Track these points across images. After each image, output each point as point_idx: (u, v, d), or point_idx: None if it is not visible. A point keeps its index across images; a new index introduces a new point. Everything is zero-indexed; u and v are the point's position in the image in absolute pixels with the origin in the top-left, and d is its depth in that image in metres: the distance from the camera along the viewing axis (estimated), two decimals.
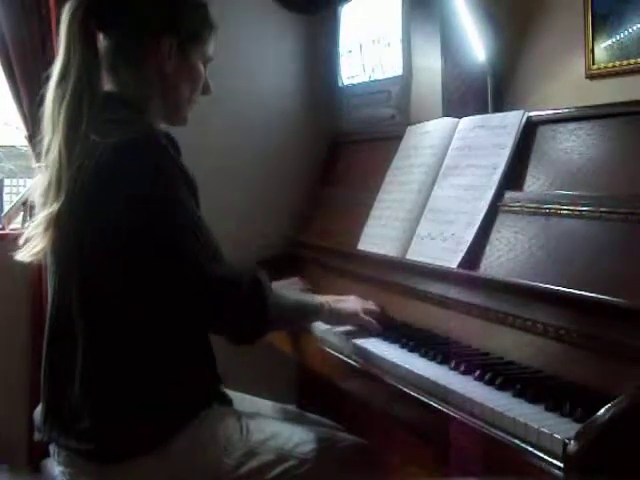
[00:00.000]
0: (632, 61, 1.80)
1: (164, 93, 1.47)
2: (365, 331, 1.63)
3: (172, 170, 1.33)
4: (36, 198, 1.39)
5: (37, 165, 1.46)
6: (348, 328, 1.65)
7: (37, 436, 1.42)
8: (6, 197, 2.90)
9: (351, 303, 1.64)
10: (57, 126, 1.34)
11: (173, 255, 1.31)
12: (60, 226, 1.32)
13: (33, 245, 1.37)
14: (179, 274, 1.31)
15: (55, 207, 1.32)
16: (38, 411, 1.43)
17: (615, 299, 1.20)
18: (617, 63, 1.84)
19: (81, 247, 1.32)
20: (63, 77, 1.36)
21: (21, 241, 1.39)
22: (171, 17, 1.44)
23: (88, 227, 1.31)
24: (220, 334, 1.41)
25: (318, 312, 1.57)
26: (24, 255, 1.40)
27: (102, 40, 1.42)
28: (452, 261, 1.63)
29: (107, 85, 1.44)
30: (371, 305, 1.68)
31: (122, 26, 1.43)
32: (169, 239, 1.31)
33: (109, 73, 1.44)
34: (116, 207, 1.29)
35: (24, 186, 2.85)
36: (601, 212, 1.36)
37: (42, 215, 1.34)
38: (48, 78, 1.38)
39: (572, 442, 0.98)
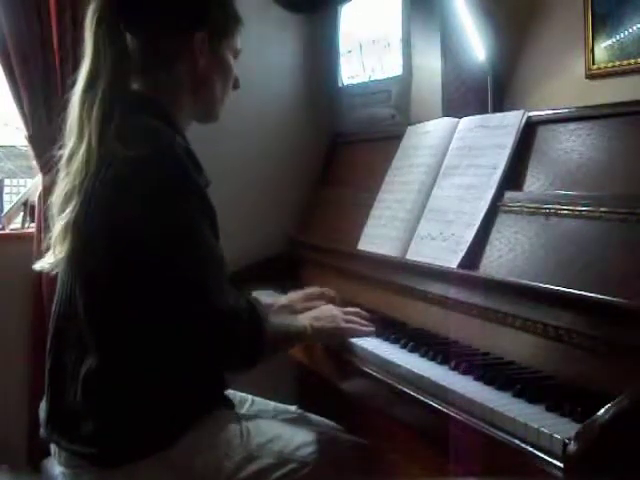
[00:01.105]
0: (632, 61, 1.80)
1: (197, 90, 1.45)
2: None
3: (187, 192, 1.30)
4: (55, 206, 1.37)
5: (47, 159, 1.43)
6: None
7: (42, 432, 1.41)
8: (6, 197, 2.90)
9: (330, 317, 1.60)
10: (85, 132, 1.31)
11: (176, 280, 1.28)
12: (76, 232, 1.31)
13: (54, 254, 1.36)
14: (180, 301, 1.29)
15: (73, 213, 1.31)
16: (42, 407, 1.43)
17: (615, 299, 1.20)
18: (617, 63, 1.84)
19: (92, 254, 1.31)
20: (92, 82, 1.33)
21: (39, 250, 1.38)
22: (201, 12, 1.43)
23: (97, 236, 1.29)
24: (216, 362, 1.39)
25: (302, 336, 1.55)
26: (44, 265, 1.40)
27: (130, 41, 1.39)
28: (452, 261, 1.64)
29: (136, 85, 1.41)
30: (350, 311, 1.66)
31: (152, 25, 1.40)
32: (174, 263, 1.28)
33: (138, 74, 1.40)
34: (124, 222, 1.27)
35: (24, 186, 2.85)
36: (601, 212, 1.36)
37: (61, 222, 1.33)
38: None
39: (572, 442, 0.98)
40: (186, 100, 1.45)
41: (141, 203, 1.27)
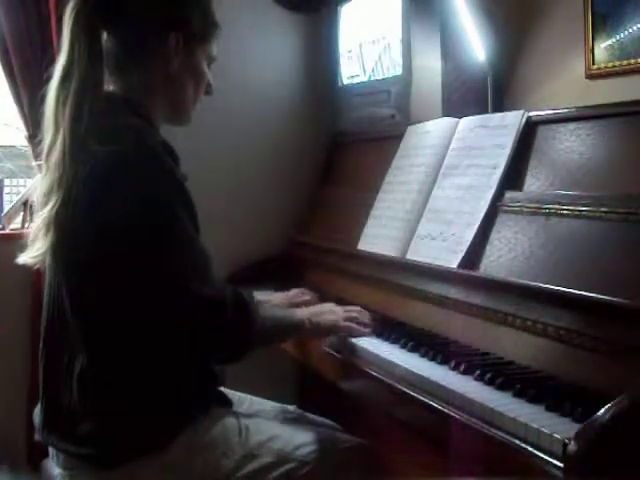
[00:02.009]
0: (632, 61, 1.80)
1: (169, 92, 1.46)
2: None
3: (165, 184, 1.31)
4: (37, 200, 1.38)
5: (36, 163, 1.44)
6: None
7: (37, 436, 1.41)
8: (6, 197, 2.89)
9: (329, 314, 1.61)
10: (60, 127, 1.32)
11: (159, 272, 1.29)
12: (58, 228, 1.32)
13: (36, 248, 1.36)
14: (164, 293, 1.29)
15: (54, 209, 1.31)
16: (37, 412, 1.43)
17: (615, 299, 1.20)
18: (617, 63, 1.84)
19: (76, 251, 1.31)
20: (66, 77, 1.34)
21: (26, 244, 1.38)
22: (177, 14, 1.44)
23: (80, 232, 1.30)
24: (205, 353, 1.39)
25: (299, 329, 1.55)
26: (26, 259, 1.40)
27: (106, 39, 1.40)
28: (452, 261, 1.63)
29: (110, 86, 1.42)
30: (352, 309, 1.66)
31: (128, 25, 1.41)
32: (157, 255, 1.29)
33: (113, 73, 1.42)
34: (107, 218, 1.27)
35: (24, 186, 2.84)
36: (601, 212, 1.36)
37: (43, 217, 1.33)
38: (49, 78, 1.36)
39: (572, 442, 0.98)
40: (158, 101, 1.45)
41: (121, 198, 1.27)
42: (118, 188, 1.28)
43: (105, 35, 1.40)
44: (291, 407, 1.69)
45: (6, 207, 2.66)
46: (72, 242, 1.31)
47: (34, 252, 1.37)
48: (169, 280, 1.29)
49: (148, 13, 1.42)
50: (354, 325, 1.63)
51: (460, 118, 1.89)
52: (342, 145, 2.57)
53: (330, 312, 1.62)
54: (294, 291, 1.86)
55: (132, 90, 1.42)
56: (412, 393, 1.34)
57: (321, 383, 1.82)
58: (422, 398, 1.30)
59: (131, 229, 1.28)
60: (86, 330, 1.32)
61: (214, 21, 1.50)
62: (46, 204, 1.33)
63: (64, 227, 1.31)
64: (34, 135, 2.26)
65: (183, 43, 1.43)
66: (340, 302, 1.78)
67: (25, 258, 1.40)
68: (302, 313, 1.57)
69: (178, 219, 1.31)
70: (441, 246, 1.70)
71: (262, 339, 1.43)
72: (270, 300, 1.83)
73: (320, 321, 1.57)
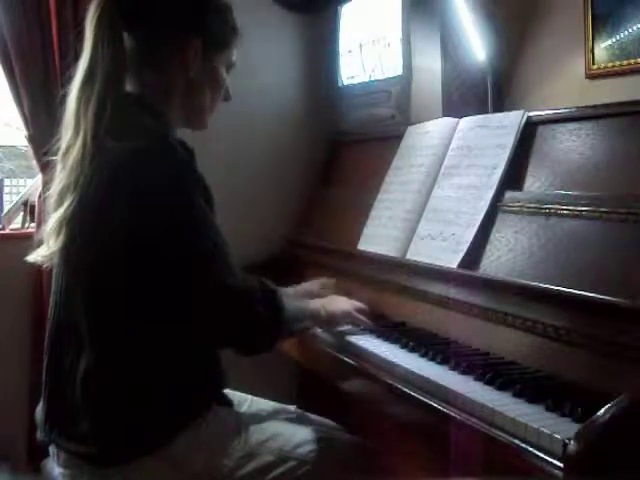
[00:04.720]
0: (632, 61, 1.80)
1: (187, 97, 1.47)
2: (357, 328, 1.69)
3: (188, 178, 1.32)
4: (51, 200, 1.38)
5: (45, 159, 1.44)
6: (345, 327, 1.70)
7: (39, 434, 1.42)
8: (6, 197, 2.90)
9: (342, 303, 1.69)
10: (81, 127, 1.33)
11: (189, 266, 1.29)
12: (71, 227, 1.32)
13: (47, 247, 1.37)
14: (196, 285, 1.30)
15: (69, 209, 1.32)
16: (39, 410, 1.43)
17: (615, 299, 1.20)
18: (617, 63, 1.84)
19: (90, 250, 1.31)
20: (89, 78, 1.35)
21: (28, 244, 1.39)
22: (199, 20, 1.45)
23: (99, 231, 1.30)
24: (232, 346, 1.40)
25: (316, 317, 1.62)
26: (37, 257, 1.40)
27: (127, 41, 1.41)
28: (452, 261, 1.63)
29: (129, 86, 1.43)
30: (360, 304, 1.72)
31: (150, 27, 1.42)
32: (186, 249, 1.29)
33: (133, 74, 1.42)
34: (129, 213, 1.27)
35: (24, 186, 2.85)
36: (601, 212, 1.36)
37: (56, 216, 1.34)
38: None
39: (572, 442, 0.98)
40: (175, 104, 1.46)
41: (144, 194, 1.28)
42: (136, 184, 1.28)
43: (126, 36, 1.40)
44: (291, 407, 1.69)
45: (6, 207, 2.66)
46: (89, 241, 1.31)
47: (45, 251, 1.38)
48: (199, 272, 1.30)
49: (171, 17, 1.43)
50: (364, 318, 1.68)
51: (460, 118, 1.89)
52: (342, 145, 2.57)
53: (342, 302, 1.69)
54: (308, 283, 1.89)
55: (150, 92, 1.43)
56: (412, 393, 1.34)
57: (321, 383, 1.82)
58: (422, 398, 1.31)
59: (151, 223, 1.28)
60: (96, 329, 1.32)
61: (234, 27, 1.51)
62: (61, 204, 1.34)
63: (79, 227, 1.31)
64: (34, 135, 2.26)
65: (202, 49, 1.44)
66: None
67: (35, 257, 1.41)
68: (316, 303, 1.64)
69: (201, 210, 1.32)
70: (441, 246, 1.70)
71: (289, 329, 1.47)
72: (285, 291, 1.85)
73: (334, 309, 1.64)
